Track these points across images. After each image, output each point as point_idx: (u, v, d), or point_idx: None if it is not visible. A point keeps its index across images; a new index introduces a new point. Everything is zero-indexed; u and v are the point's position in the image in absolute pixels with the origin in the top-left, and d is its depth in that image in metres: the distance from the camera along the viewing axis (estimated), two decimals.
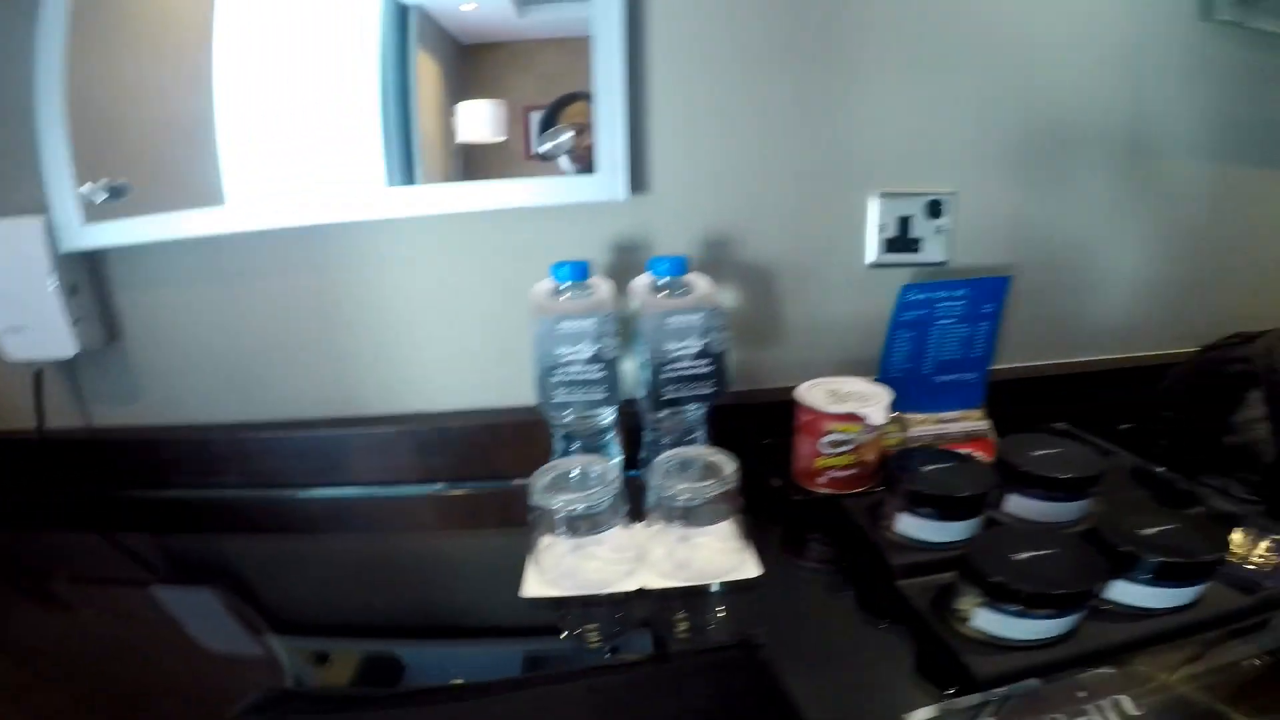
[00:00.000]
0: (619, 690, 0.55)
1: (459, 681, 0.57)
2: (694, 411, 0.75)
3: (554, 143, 0.76)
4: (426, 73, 0.77)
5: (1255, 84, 0.92)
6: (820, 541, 0.72)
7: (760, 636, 0.58)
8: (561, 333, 0.69)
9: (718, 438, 0.78)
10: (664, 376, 0.70)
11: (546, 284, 0.72)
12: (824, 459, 0.75)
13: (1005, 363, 0.94)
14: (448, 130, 0.78)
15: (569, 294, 0.71)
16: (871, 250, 0.86)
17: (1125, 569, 0.54)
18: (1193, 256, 0.96)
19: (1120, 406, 0.93)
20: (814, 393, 0.77)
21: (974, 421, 0.86)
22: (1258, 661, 0.52)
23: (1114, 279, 0.95)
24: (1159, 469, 0.79)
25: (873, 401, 0.74)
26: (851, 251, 0.87)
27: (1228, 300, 0.99)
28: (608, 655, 0.59)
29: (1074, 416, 0.92)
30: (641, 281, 0.73)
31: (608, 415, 0.75)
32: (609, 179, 0.77)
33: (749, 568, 0.65)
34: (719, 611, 0.63)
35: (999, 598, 0.51)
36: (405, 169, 0.78)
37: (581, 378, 0.70)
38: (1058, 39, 0.85)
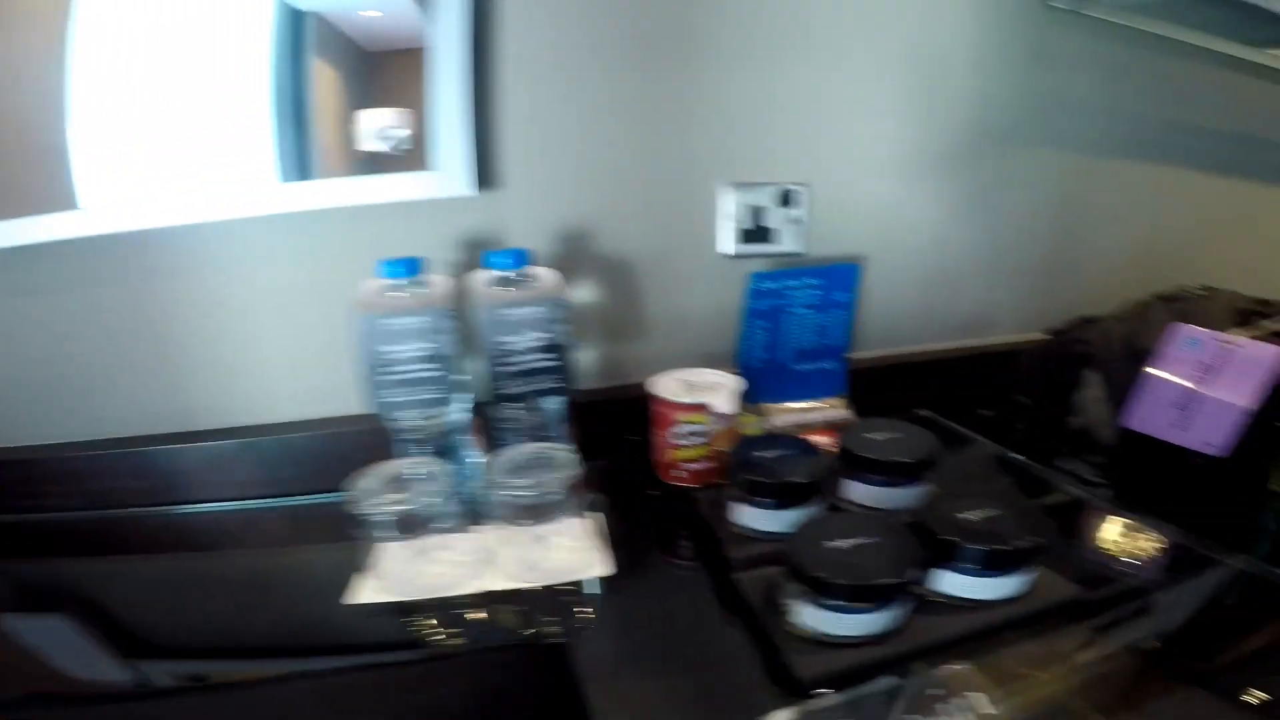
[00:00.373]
0: (368, 689, 0.52)
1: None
2: (547, 407, 0.71)
3: (388, 139, 0.72)
4: (325, 80, 0.71)
5: (1095, 71, 0.93)
6: (674, 536, 0.69)
7: (556, 635, 0.55)
8: (389, 330, 0.64)
9: (583, 434, 0.75)
10: (502, 371, 0.65)
11: (377, 281, 0.67)
12: (679, 451, 0.72)
13: (868, 351, 0.93)
14: (347, 138, 0.72)
15: (401, 291, 0.66)
16: (728, 241, 0.84)
17: (945, 557, 0.52)
18: (1043, 242, 0.98)
19: (981, 392, 0.93)
20: (667, 384, 0.74)
21: (835, 410, 0.84)
22: (1118, 657, 0.52)
23: (969, 266, 0.95)
24: (1014, 455, 0.79)
25: (721, 391, 0.72)
26: (708, 243, 0.84)
27: (1079, 284, 1.01)
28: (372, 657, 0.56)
29: (937, 403, 0.91)
30: (481, 276, 0.69)
31: (455, 415, 0.70)
32: (450, 175, 0.73)
33: (599, 566, 0.62)
34: (555, 611, 0.59)
35: (815, 591, 0.49)
36: (300, 175, 0.72)
37: (413, 377, 0.65)
38: (906, 28, 0.84)
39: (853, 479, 0.64)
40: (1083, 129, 0.95)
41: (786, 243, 0.84)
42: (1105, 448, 0.77)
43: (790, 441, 0.66)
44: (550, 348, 0.65)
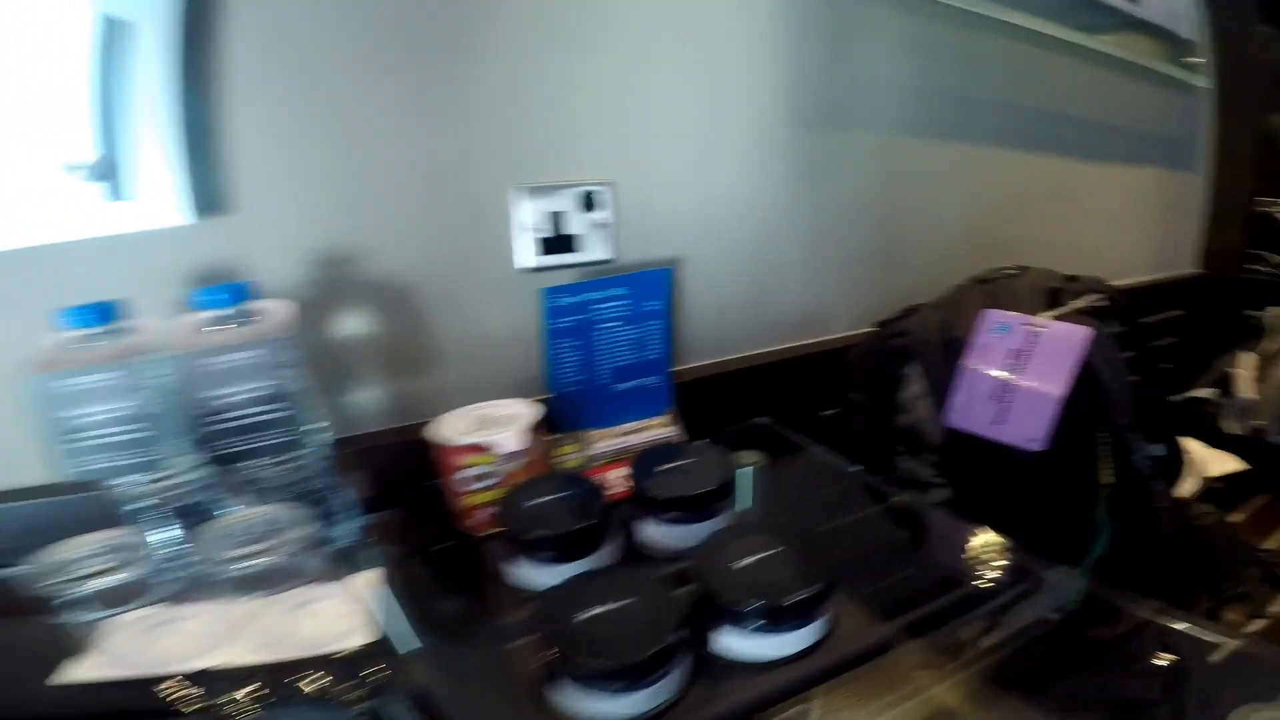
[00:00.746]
0: None
1: None
2: (297, 462, 0.60)
3: (77, 168, 0.59)
4: None
5: (906, 50, 0.89)
6: (462, 595, 0.59)
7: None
8: (75, 391, 0.51)
9: (376, 481, 0.64)
10: (213, 429, 0.54)
11: (65, 334, 0.54)
12: (469, 497, 0.63)
13: (696, 360, 0.85)
14: None
15: (94, 342, 0.54)
16: (527, 254, 0.74)
17: (719, 615, 0.44)
18: (870, 230, 0.92)
19: (822, 393, 0.87)
20: (453, 422, 0.64)
21: (660, 429, 0.76)
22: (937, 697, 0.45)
23: (796, 260, 0.89)
24: (845, 462, 0.73)
25: (511, 425, 0.62)
26: (504, 257, 0.74)
27: (909, 271, 0.96)
28: None
29: (777, 408, 0.85)
30: (192, 318, 0.57)
31: (186, 476, 0.58)
32: (157, 201, 0.60)
33: (357, 636, 0.51)
34: (317, 683, 0.48)
35: (566, 669, 0.40)
36: None
37: (115, 440, 0.53)
38: (705, 10, 0.77)
39: (643, 518, 0.55)
40: (899, 111, 0.90)
41: (593, 250, 0.75)
42: (936, 446, 0.71)
43: (574, 480, 0.57)
44: (274, 397, 0.54)
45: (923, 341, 0.68)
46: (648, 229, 0.79)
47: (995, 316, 0.62)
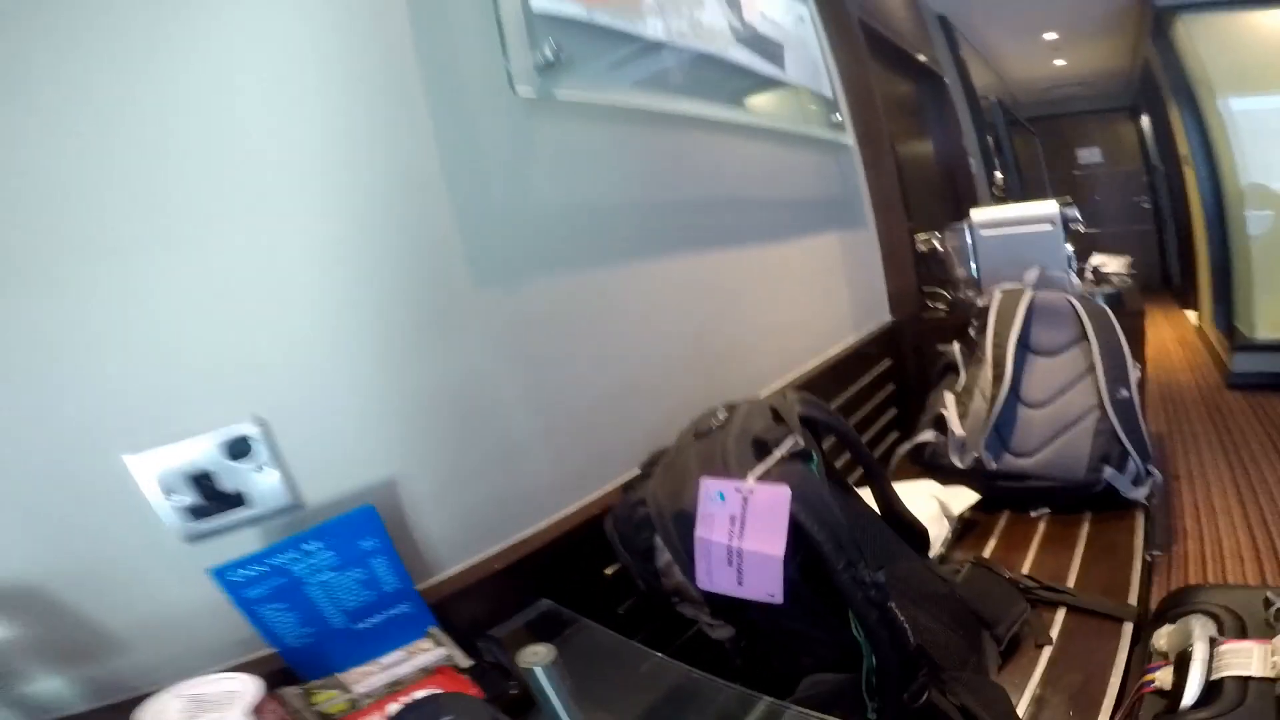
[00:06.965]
0: None
1: None
2: None
3: None
4: None
5: (588, 164, 0.83)
6: None
7: None
8: None
9: None
10: None
11: None
12: None
13: (451, 566, 0.71)
14: None
15: None
16: (175, 525, 0.57)
17: None
18: (598, 381, 0.84)
19: (593, 557, 0.77)
20: (163, 707, 0.48)
21: (428, 652, 0.63)
22: None
23: (530, 434, 0.77)
24: (627, 640, 0.64)
25: (230, 706, 0.48)
26: (153, 529, 0.57)
27: (656, 413, 0.89)
28: None
29: (552, 588, 0.73)
30: None
31: None
32: None
33: None
34: None
35: None
36: None
37: None
38: (330, 175, 0.62)
39: None
40: (597, 234, 0.84)
41: (264, 502, 0.60)
42: (704, 599, 0.65)
43: None
44: None
45: (657, 515, 0.63)
46: (335, 452, 0.64)
47: (712, 486, 0.57)
